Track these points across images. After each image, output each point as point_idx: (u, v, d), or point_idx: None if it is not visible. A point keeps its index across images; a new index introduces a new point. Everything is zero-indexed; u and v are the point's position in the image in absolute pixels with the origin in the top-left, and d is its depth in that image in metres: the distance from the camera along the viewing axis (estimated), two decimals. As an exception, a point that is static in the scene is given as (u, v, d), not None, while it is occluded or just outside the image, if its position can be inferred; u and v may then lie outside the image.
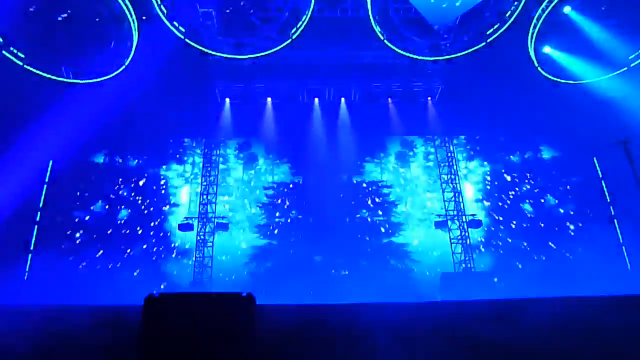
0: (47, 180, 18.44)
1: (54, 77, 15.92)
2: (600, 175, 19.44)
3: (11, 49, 14.93)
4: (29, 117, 16.99)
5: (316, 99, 20.31)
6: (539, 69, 16.88)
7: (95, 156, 19.47)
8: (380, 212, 19.74)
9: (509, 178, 20.38)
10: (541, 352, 5.40)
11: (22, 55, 15.17)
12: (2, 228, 15.67)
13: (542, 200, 19.72)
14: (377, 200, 19.95)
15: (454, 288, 16.65)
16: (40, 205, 18.00)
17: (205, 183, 19.36)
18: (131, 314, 5.30)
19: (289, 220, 19.43)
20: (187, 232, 18.27)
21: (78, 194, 18.64)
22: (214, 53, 16.52)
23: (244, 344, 4.76)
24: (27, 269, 16.88)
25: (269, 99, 20.03)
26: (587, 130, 18.63)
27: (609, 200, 19.06)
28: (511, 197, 19.99)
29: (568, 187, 19.77)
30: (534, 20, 15.90)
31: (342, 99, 20.38)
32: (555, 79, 17.20)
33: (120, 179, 19.36)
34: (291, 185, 20.08)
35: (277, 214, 19.54)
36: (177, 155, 20.47)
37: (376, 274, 18.02)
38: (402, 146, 21.14)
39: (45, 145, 17.28)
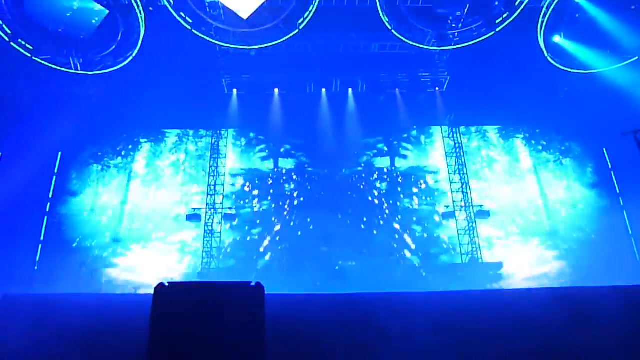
0: (56, 171, 18.61)
1: (61, 69, 15.99)
2: (610, 166, 19.31)
3: (19, 40, 14.98)
4: (38, 109, 17.14)
5: (323, 90, 20.24)
6: (548, 58, 16.71)
7: (98, 148, 19.57)
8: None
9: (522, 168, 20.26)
10: (547, 342, 5.40)
11: (30, 47, 15.23)
12: (12, 219, 15.84)
13: (551, 193, 19.61)
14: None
15: (461, 279, 16.69)
16: (50, 195, 18.19)
17: (212, 174, 19.39)
18: (141, 302, 5.34)
19: (297, 208, 19.43)
20: (195, 222, 18.34)
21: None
22: (220, 44, 16.49)
23: (254, 332, 4.79)
24: (37, 259, 17.09)
25: (276, 90, 19.99)
26: (596, 120, 18.51)
27: (618, 191, 18.95)
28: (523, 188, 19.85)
29: (576, 177, 19.70)
30: (544, 9, 15.72)
31: (350, 90, 20.30)
32: (565, 68, 17.05)
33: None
34: (305, 176, 20.04)
35: (281, 204, 19.55)
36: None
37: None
38: (415, 136, 21.01)
39: (54, 136, 17.41)
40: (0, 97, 16.33)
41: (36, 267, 16.96)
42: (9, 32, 14.68)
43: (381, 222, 19.32)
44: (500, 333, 5.41)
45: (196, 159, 20.21)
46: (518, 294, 6.86)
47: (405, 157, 20.60)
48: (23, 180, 16.36)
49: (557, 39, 16.85)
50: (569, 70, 17.17)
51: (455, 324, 5.33)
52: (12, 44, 14.78)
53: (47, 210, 18.01)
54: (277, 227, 19.07)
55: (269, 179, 20.02)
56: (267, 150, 20.55)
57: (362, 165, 20.36)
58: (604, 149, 19.59)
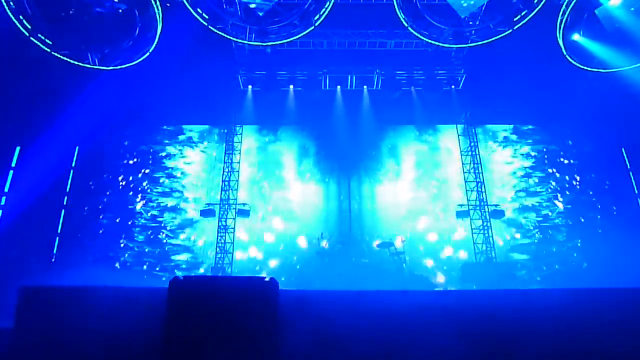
0: (73, 165, 18.85)
1: (80, 64, 16.16)
2: (629, 166, 19.01)
3: (39, 35, 15.17)
4: (56, 104, 17.36)
5: (338, 87, 20.21)
6: (567, 56, 16.47)
7: (114, 143, 19.75)
8: None
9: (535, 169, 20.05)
10: (561, 344, 5.35)
11: (50, 42, 15.42)
12: (31, 212, 16.08)
13: (568, 193, 19.36)
14: None
15: (475, 278, 16.57)
16: (67, 189, 18.43)
17: (227, 170, 19.47)
18: (155, 296, 5.40)
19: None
20: (210, 217, 18.47)
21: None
22: (236, 40, 16.55)
23: (267, 327, 4.81)
24: (54, 251, 17.34)
25: (291, 86, 20.02)
26: (615, 119, 18.23)
27: (637, 192, 18.66)
28: (539, 189, 19.60)
29: (593, 177, 19.44)
30: (563, 7, 15.49)
31: (365, 87, 20.25)
32: (584, 67, 16.78)
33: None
34: (316, 173, 20.07)
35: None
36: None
37: None
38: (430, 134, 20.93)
39: (72, 131, 17.62)
40: (20, 91, 16.55)
41: (53, 260, 17.20)
42: (28, 26, 14.87)
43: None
44: (517, 333, 5.37)
45: (211, 154, 20.32)
46: (530, 294, 6.78)
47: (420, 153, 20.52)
48: (41, 174, 16.61)
49: (576, 37, 16.59)
50: (588, 69, 16.91)
51: (473, 323, 5.29)
52: (31, 38, 14.97)
53: (64, 203, 18.26)
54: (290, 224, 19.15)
55: (280, 175, 20.08)
56: (280, 146, 20.58)
57: (373, 162, 20.31)
58: (623, 149, 19.29)
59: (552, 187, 19.56)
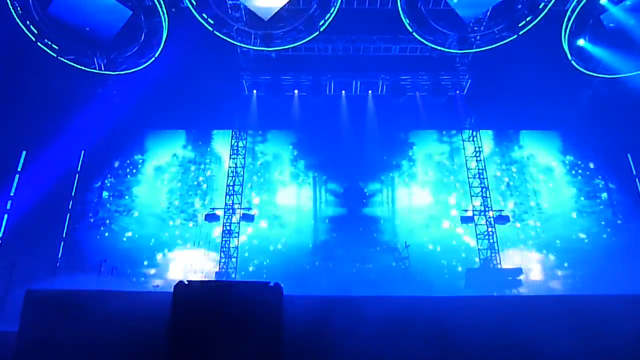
0: (79, 169, 18.92)
1: (85, 69, 16.27)
2: (634, 172, 18.91)
3: (45, 40, 15.29)
4: (62, 108, 17.44)
5: (343, 92, 20.21)
6: (572, 62, 16.44)
7: (119, 147, 19.82)
8: None
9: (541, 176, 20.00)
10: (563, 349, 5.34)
11: (56, 47, 15.53)
12: (36, 216, 16.13)
13: (582, 199, 19.28)
14: None
15: (479, 284, 16.48)
16: (73, 194, 18.50)
17: (231, 174, 19.46)
18: (160, 300, 5.41)
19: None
20: (214, 222, 18.46)
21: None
22: (241, 45, 16.62)
23: (272, 332, 4.81)
24: (59, 256, 17.39)
25: (295, 92, 20.03)
26: (620, 125, 18.15)
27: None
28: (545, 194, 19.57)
29: (601, 185, 19.34)
30: (568, 12, 15.49)
31: (370, 92, 20.24)
32: (589, 72, 16.74)
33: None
34: (323, 176, 20.13)
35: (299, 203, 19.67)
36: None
37: None
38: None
39: (77, 135, 17.71)
40: (26, 95, 16.65)
41: (58, 264, 17.23)
42: (35, 32, 14.99)
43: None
44: (519, 339, 5.36)
45: (215, 158, 20.38)
46: (531, 300, 6.77)
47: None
48: (47, 178, 16.67)
49: (581, 42, 16.56)
50: (593, 74, 16.86)
51: (475, 328, 5.28)
52: (38, 43, 15.08)
53: (70, 207, 18.32)
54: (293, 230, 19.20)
55: (287, 180, 20.13)
56: (282, 150, 20.63)
57: (379, 166, 20.32)
58: (629, 155, 19.19)
59: (555, 191, 19.52)
